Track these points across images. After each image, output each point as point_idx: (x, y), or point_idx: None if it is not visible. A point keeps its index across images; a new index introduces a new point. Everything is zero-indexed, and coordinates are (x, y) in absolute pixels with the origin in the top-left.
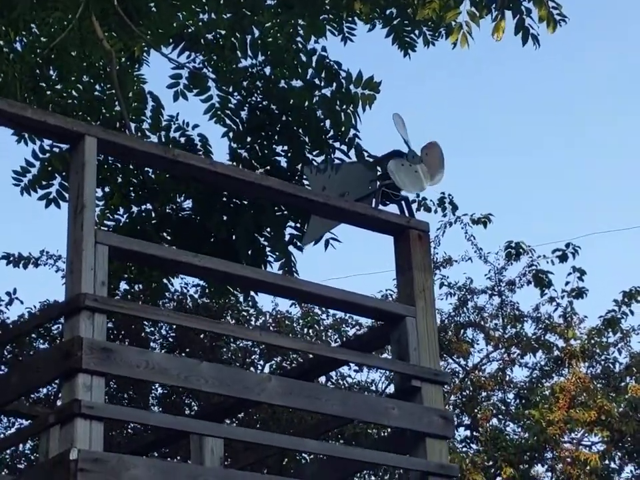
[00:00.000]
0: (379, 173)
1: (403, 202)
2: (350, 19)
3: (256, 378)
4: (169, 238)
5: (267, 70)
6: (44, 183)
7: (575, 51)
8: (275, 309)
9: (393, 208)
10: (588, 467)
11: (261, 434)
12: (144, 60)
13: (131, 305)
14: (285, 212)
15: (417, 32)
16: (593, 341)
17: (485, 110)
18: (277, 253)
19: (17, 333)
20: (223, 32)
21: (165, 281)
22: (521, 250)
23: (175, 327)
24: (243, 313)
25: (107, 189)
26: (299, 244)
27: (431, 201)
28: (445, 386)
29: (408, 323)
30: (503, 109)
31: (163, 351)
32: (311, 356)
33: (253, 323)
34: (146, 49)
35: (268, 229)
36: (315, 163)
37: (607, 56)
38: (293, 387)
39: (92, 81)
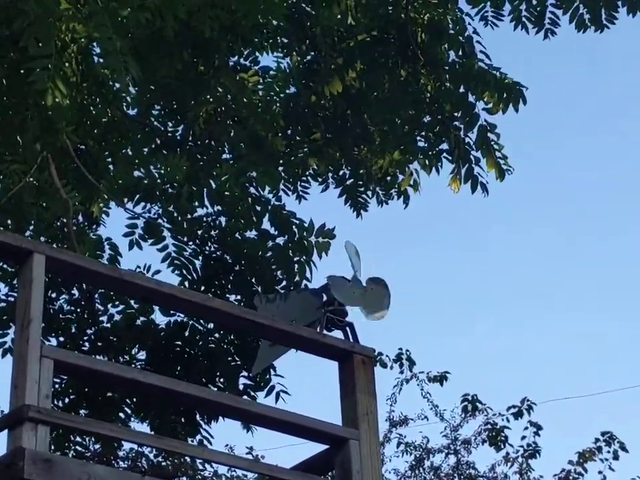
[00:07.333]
0: (324, 300)
1: (347, 328)
2: (304, 178)
3: None
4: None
5: (222, 219)
6: None
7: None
8: (230, 471)
9: (338, 334)
10: None
11: None
12: (102, 221)
13: (75, 418)
14: (239, 362)
15: (369, 193)
16: None
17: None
18: None
19: None
20: (178, 183)
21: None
22: (477, 404)
23: None
24: (198, 476)
25: (61, 339)
26: (252, 393)
27: (387, 356)
28: None
29: (351, 446)
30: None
31: None
32: None
33: None
34: (104, 209)
35: (221, 379)
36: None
37: None
38: None
39: (50, 240)
